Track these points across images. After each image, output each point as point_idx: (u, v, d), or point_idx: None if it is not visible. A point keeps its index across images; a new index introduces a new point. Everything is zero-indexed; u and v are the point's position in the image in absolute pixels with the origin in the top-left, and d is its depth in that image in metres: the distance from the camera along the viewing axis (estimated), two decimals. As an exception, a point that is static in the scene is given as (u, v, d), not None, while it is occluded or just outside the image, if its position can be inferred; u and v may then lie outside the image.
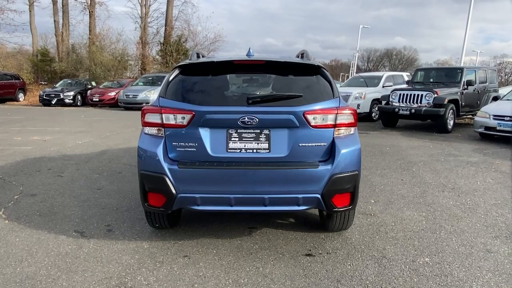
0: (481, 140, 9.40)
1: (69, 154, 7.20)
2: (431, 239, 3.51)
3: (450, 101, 10.41)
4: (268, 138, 2.99)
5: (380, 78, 14.23)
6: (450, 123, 10.55)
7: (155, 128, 3.06)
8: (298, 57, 3.85)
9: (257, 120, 2.92)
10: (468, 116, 12.41)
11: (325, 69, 3.25)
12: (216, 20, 45.66)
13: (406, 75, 15.66)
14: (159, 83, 17.67)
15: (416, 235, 3.60)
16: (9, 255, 3.15)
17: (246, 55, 3.59)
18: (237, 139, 2.99)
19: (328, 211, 3.11)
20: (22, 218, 3.97)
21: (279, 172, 2.92)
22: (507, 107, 9.21)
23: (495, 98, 12.09)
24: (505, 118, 8.88)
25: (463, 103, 11.02)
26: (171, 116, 2.99)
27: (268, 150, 2.99)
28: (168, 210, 3.06)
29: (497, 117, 9.05)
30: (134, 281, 2.77)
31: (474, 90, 11.53)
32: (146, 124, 3.12)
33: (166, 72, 20.51)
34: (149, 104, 3.34)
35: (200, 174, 2.93)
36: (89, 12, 28.39)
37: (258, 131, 2.98)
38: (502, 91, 13.57)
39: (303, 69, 3.25)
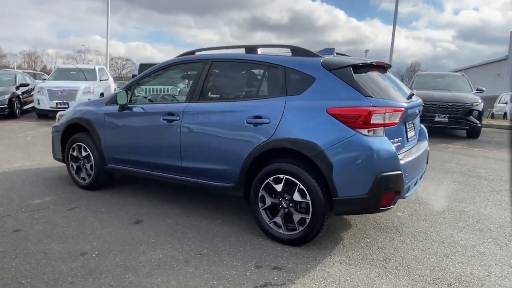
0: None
1: None
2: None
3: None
4: (414, 126, 3.74)
5: (94, 71, 14.09)
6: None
7: (381, 128, 3.04)
8: None
9: (418, 111, 3.71)
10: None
11: None
12: None
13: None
14: None
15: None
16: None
17: (328, 52, 3.79)
18: (408, 129, 3.52)
19: None
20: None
21: (426, 151, 3.86)
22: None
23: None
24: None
25: None
26: (388, 115, 3.07)
27: (415, 136, 3.78)
28: (393, 205, 3.15)
29: None
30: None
31: None
32: (372, 125, 2.98)
33: None
34: (349, 105, 3.03)
35: (412, 164, 3.28)
36: None
37: (411, 121, 3.65)
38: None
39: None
